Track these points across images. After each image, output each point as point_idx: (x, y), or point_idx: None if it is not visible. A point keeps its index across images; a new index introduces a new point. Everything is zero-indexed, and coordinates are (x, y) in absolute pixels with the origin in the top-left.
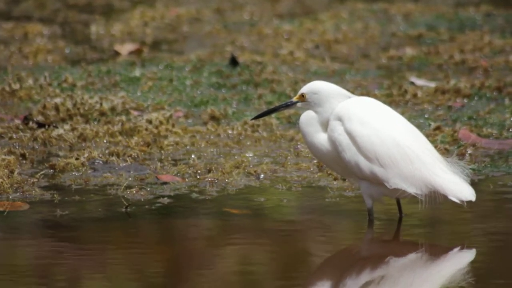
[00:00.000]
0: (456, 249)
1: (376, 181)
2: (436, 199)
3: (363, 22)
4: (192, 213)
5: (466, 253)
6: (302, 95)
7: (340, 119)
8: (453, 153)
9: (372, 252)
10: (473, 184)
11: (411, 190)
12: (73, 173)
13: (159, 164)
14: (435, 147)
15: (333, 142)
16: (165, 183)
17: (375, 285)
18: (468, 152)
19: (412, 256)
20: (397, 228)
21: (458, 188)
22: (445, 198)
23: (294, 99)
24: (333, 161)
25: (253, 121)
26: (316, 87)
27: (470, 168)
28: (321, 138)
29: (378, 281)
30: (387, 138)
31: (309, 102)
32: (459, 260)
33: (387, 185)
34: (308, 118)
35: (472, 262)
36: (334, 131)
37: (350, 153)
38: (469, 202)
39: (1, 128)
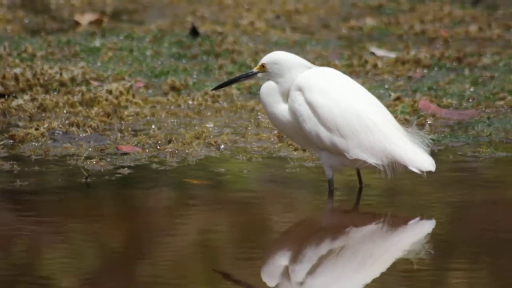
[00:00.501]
0: (416, 220)
1: (336, 152)
2: (396, 169)
3: None
4: (152, 183)
5: (426, 223)
6: (263, 66)
7: (300, 89)
8: (413, 124)
9: (332, 223)
10: (432, 154)
11: (371, 160)
12: (33, 144)
13: (119, 134)
14: (395, 117)
15: (293, 112)
16: (125, 153)
17: (335, 256)
18: (428, 122)
19: (372, 226)
20: (357, 199)
21: (418, 158)
22: (405, 168)
23: (255, 69)
24: (293, 132)
25: (213, 91)
26: (277, 57)
27: (430, 138)
28: (281, 109)
29: (338, 251)
30: (348, 108)
31: (270, 73)
32: (419, 230)
33: (347, 155)
34: (268, 88)
35: (432, 232)
36: (294, 101)
37: (311, 124)
38: (429, 172)
39: None
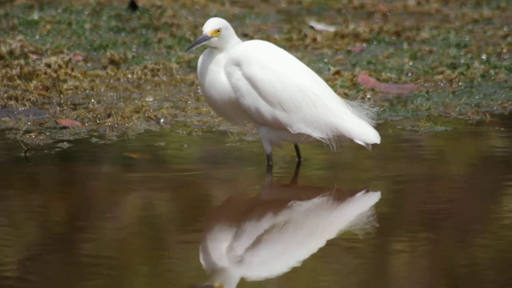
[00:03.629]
0: (358, 193)
1: (278, 126)
2: (342, 142)
3: None
4: (92, 157)
5: (367, 197)
6: (218, 30)
7: (237, 63)
8: (357, 97)
9: (272, 197)
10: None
11: (316, 134)
12: None
13: (58, 108)
14: (335, 91)
15: (231, 87)
16: (64, 127)
17: (276, 230)
18: (368, 96)
19: (312, 201)
20: (295, 173)
21: (363, 131)
22: (350, 141)
23: (209, 33)
24: (229, 105)
25: (186, 53)
26: (225, 22)
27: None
28: (222, 80)
29: (279, 226)
30: (289, 82)
31: (222, 38)
32: (362, 203)
33: (290, 130)
34: (213, 56)
35: (372, 206)
36: (232, 76)
37: (250, 99)
38: (374, 144)
39: None
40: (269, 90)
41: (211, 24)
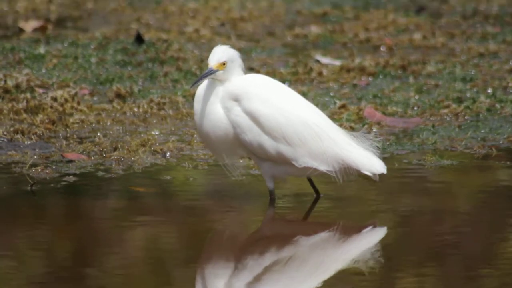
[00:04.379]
0: (364, 228)
1: (282, 161)
2: (349, 174)
3: (268, 0)
4: (98, 191)
5: (373, 231)
6: (223, 63)
7: (236, 98)
8: (360, 129)
9: (277, 232)
10: None
11: (323, 167)
12: None
13: (64, 142)
14: (341, 125)
15: (228, 121)
16: (70, 161)
17: (279, 265)
18: (374, 130)
19: (320, 235)
20: (310, 208)
21: (370, 161)
22: (358, 173)
23: (214, 67)
24: (225, 140)
25: (191, 88)
26: (232, 54)
27: (378, 141)
28: (220, 111)
29: (283, 261)
30: (293, 116)
31: (227, 71)
32: (368, 238)
33: (295, 164)
34: (214, 85)
35: (379, 241)
36: (231, 111)
37: (252, 134)
38: (381, 174)
39: None
40: (273, 125)
41: (217, 56)
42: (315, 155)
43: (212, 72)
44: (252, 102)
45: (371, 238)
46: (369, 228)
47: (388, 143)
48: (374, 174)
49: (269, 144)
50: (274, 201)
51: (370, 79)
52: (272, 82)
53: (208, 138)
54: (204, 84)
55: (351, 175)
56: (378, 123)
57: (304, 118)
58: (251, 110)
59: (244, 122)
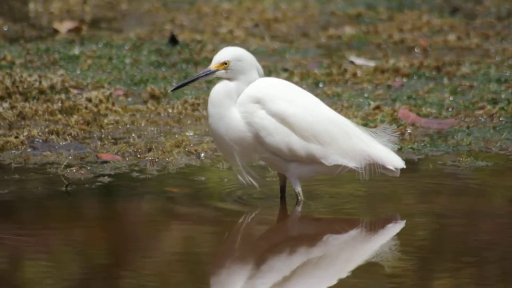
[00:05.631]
0: (397, 229)
1: (310, 161)
2: (374, 170)
3: (302, 1)
4: (132, 192)
5: (408, 232)
6: (225, 63)
7: (258, 101)
8: (395, 132)
9: (317, 231)
10: (412, 163)
11: (352, 164)
12: (13, 152)
13: (99, 142)
14: (375, 126)
15: (251, 126)
16: (105, 162)
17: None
18: (408, 131)
19: (352, 234)
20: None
21: (392, 157)
22: (383, 168)
23: (213, 67)
24: (239, 143)
25: (172, 92)
26: (240, 53)
27: (410, 147)
28: (235, 116)
29: (316, 261)
30: (321, 114)
31: (232, 70)
32: (401, 239)
33: (325, 162)
34: (227, 88)
35: (414, 242)
36: (254, 115)
37: (280, 136)
38: (402, 169)
39: None
40: (303, 124)
41: (218, 57)
42: (345, 153)
43: (209, 72)
44: (278, 103)
45: (403, 238)
46: (399, 229)
47: (422, 144)
48: (397, 169)
49: (298, 144)
50: (301, 202)
51: (405, 80)
52: (289, 84)
53: (223, 141)
54: (218, 87)
55: (375, 171)
56: (413, 124)
57: (330, 116)
58: (278, 111)
59: (271, 124)
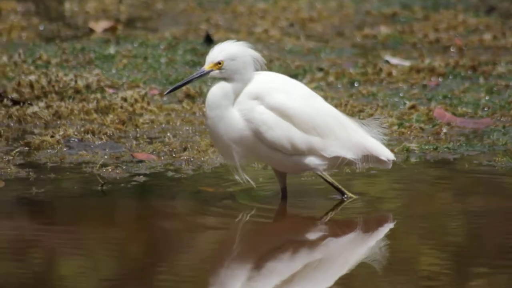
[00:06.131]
0: (433, 229)
1: (310, 153)
2: (368, 162)
3: (337, 0)
4: (167, 191)
5: (443, 232)
6: (219, 63)
7: (256, 97)
8: (430, 132)
9: (347, 230)
10: (448, 163)
11: (350, 156)
12: (49, 151)
13: (134, 142)
14: (411, 126)
15: (251, 123)
16: (140, 161)
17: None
18: (443, 131)
19: (383, 231)
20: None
21: (383, 148)
22: (376, 159)
23: (207, 68)
24: (239, 142)
25: (167, 94)
26: (234, 52)
27: (446, 147)
28: (234, 116)
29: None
30: (319, 106)
31: (226, 70)
32: (438, 239)
33: (325, 154)
34: (223, 90)
35: (451, 242)
36: (253, 111)
37: (281, 130)
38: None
39: None
40: (303, 116)
41: (211, 56)
42: (343, 144)
43: (203, 73)
44: (276, 96)
45: (439, 238)
46: (434, 228)
47: (458, 144)
48: (389, 160)
49: (299, 137)
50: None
51: (440, 79)
52: (285, 77)
53: (222, 142)
54: (215, 90)
55: (370, 163)
56: (448, 124)
57: (327, 108)
58: (276, 105)
59: (271, 118)
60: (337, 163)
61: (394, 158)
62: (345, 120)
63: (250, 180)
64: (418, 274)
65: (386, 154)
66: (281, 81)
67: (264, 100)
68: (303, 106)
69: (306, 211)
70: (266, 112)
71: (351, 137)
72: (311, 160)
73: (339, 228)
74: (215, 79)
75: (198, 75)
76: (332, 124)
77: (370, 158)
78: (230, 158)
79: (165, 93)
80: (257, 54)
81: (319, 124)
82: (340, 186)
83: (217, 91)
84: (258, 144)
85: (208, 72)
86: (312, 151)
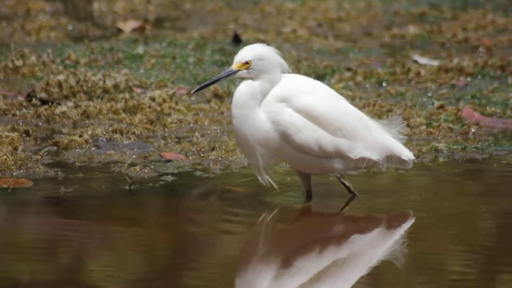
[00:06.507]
0: (459, 226)
1: (337, 155)
2: (390, 162)
3: (365, 0)
4: (195, 191)
5: (473, 233)
6: (247, 63)
7: (284, 100)
8: (459, 132)
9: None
10: (477, 163)
11: (375, 157)
12: (77, 150)
13: (162, 141)
14: (439, 126)
15: (279, 125)
16: (168, 160)
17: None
18: (472, 131)
19: (407, 230)
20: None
21: (405, 148)
22: (398, 159)
23: (235, 67)
24: (264, 144)
25: (194, 93)
26: (262, 52)
27: (474, 147)
28: (260, 116)
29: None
30: (344, 108)
31: (254, 70)
32: (467, 240)
33: (351, 156)
34: (251, 89)
35: (481, 243)
36: (281, 113)
37: (309, 132)
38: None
39: (4, 105)
40: (330, 117)
41: (239, 56)
42: (368, 145)
43: (231, 72)
44: (303, 98)
45: (468, 239)
46: (464, 227)
47: (486, 143)
48: (410, 160)
49: (326, 138)
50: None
51: (469, 79)
52: (311, 80)
53: (247, 142)
54: (242, 88)
55: (391, 163)
56: (477, 124)
57: (351, 109)
58: (304, 107)
59: (299, 120)
60: (363, 165)
61: (414, 158)
62: (368, 121)
63: (272, 182)
64: (446, 274)
65: (407, 154)
66: (307, 83)
67: (291, 102)
68: (329, 108)
69: (331, 210)
70: (294, 114)
71: (375, 138)
72: (337, 162)
73: (366, 226)
74: (243, 79)
75: (226, 74)
76: (357, 126)
77: (392, 158)
78: (253, 159)
79: (192, 91)
80: (282, 60)
81: (345, 126)
82: (352, 188)
83: (244, 90)
84: (285, 146)
85: (236, 72)
86: (339, 153)
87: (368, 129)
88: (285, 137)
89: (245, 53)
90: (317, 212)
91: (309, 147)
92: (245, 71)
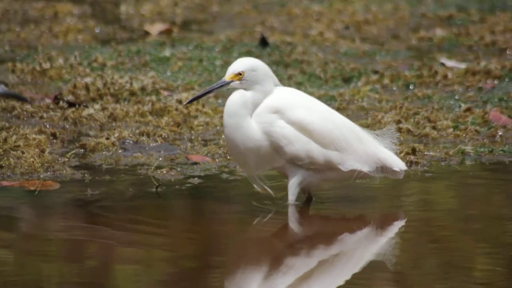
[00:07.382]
0: (484, 229)
1: (327, 167)
2: (382, 173)
3: (393, 2)
4: (222, 193)
5: (494, 233)
6: (239, 74)
7: (276, 111)
8: (486, 135)
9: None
10: (504, 165)
11: (365, 168)
12: (104, 153)
13: (189, 144)
14: (466, 129)
15: (271, 136)
16: (195, 163)
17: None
18: (499, 133)
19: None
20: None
21: (396, 159)
22: (390, 171)
23: (227, 78)
24: (255, 153)
25: (187, 104)
26: (254, 63)
27: (501, 150)
28: (252, 126)
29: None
30: (336, 121)
31: (247, 81)
32: (487, 241)
33: (342, 168)
34: (243, 98)
35: (506, 245)
36: (274, 125)
37: (300, 144)
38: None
39: (31, 108)
40: (323, 130)
41: (232, 68)
42: (359, 157)
43: (224, 83)
44: (296, 111)
45: (493, 240)
46: (489, 231)
47: None
48: (401, 171)
49: (317, 151)
50: (291, 205)
51: (496, 82)
52: (303, 93)
53: (238, 151)
54: (234, 97)
55: (384, 174)
56: (504, 127)
57: (343, 121)
58: (297, 119)
59: (291, 132)
60: (353, 176)
61: (406, 168)
62: (360, 132)
63: (268, 189)
64: (472, 276)
65: (398, 164)
66: (300, 97)
67: (284, 114)
68: (322, 121)
69: (356, 211)
70: (287, 126)
71: (366, 149)
72: (327, 174)
73: (395, 229)
74: (235, 90)
75: (219, 85)
76: (349, 138)
77: (384, 169)
78: (245, 167)
79: (184, 103)
80: (272, 73)
81: (337, 138)
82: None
83: (236, 99)
84: (275, 156)
85: (228, 83)
86: (329, 165)
87: (360, 141)
88: (276, 149)
89: (238, 64)
90: (352, 212)
91: (299, 159)
92: (238, 82)
